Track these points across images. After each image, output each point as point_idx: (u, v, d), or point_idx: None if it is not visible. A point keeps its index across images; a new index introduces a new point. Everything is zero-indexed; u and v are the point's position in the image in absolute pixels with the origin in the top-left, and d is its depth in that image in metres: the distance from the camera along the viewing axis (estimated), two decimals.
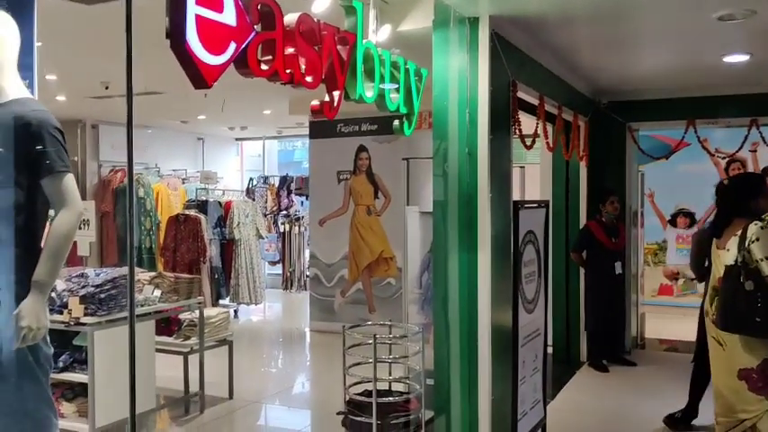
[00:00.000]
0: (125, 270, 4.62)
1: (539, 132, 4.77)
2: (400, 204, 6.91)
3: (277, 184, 11.18)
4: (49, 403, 2.45)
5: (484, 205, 3.83)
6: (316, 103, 2.53)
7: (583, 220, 6.43)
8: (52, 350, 2.49)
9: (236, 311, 9.00)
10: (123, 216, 8.69)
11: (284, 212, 11.05)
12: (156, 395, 4.67)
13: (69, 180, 2.41)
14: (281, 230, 10.94)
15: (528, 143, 4.64)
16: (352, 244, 7.77)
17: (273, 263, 11.20)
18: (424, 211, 4.24)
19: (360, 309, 7.62)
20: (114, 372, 4.18)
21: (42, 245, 2.40)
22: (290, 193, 11.11)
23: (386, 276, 7.59)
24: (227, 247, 8.84)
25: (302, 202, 11.18)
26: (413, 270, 4.30)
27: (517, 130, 4.27)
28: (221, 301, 8.75)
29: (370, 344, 3.65)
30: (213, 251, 8.58)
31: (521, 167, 6.96)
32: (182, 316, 5.21)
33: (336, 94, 2.58)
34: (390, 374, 4.03)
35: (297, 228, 10.79)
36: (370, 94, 2.85)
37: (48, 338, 2.45)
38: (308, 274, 10.79)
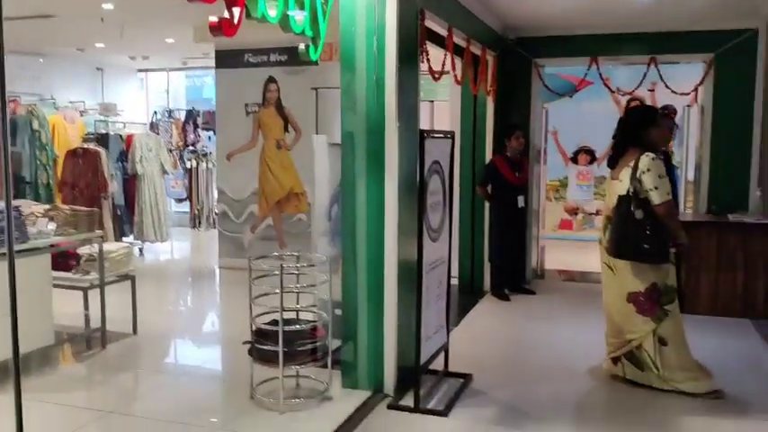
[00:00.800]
0: (18, 202, 4.40)
1: (447, 65, 4.79)
2: (311, 138, 6.82)
3: (183, 119, 10.83)
4: None
5: (391, 136, 3.85)
6: (214, 19, 2.43)
7: (489, 155, 6.57)
8: None
9: (140, 249, 8.77)
10: (19, 149, 8.19)
11: (191, 148, 10.73)
12: (56, 332, 4.53)
13: None
14: (188, 167, 10.66)
15: (436, 76, 4.65)
16: (262, 179, 7.66)
17: (180, 200, 10.93)
18: (333, 142, 4.21)
19: (270, 245, 7.57)
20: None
21: None
22: (196, 127, 10.80)
23: (296, 212, 7.56)
24: (130, 182, 8.55)
25: (210, 137, 10.87)
26: (322, 202, 4.29)
27: (425, 60, 4.27)
28: (125, 239, 8.50)
29: (276, 274, 3.64)
30: (115, 187, 8.28)
31: (430, 102, 7.01)
32: (80, 251, 5.04)
33: (237, 10, 2.48)
34: (298, 305, 4.05)
35: (204, 164, 10.52)
36: (273, 13, 2.75)
37: None
38: (216, 211, 10.63)
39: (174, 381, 4.31)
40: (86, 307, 4.94)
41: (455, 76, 5.09)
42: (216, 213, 10.65)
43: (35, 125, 8.64)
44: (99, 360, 4.67)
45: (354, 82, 3.85)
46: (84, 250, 5.03)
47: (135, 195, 8.53)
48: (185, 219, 10.84)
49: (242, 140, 7.72)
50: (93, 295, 4.92)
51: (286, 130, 7.53)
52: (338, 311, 4.09)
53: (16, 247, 4.09)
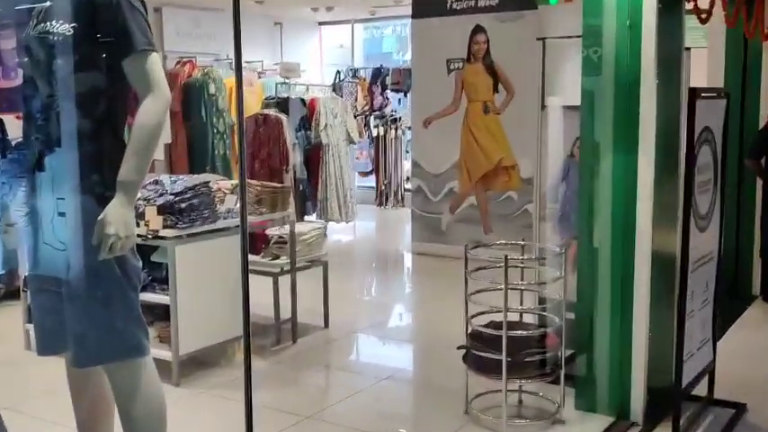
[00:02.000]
0: (206, 177, 4.73)
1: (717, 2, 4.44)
2: (526, 100, 6.70)
3: (369, 79, 11.11)
4: (140, 323, 2.55)
5: (648, 95, 3.63)
6: None
7: (764, 119, 6.07)
8: (140, 263, 2.58)
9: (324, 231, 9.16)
10: (194, 116, 8.85)
11: (378, 113, 11.02)
12: None
13: (154, 61, 2.42)
14: (374, 135, 10.95)
15: (703, 17, 4.34)
16: (465, 149, 7.65)
17: (365, 173, 11.29)
18: (566, 105, 4.07)
19: (472, 228, 7.57)
20: (198, 293, 4.35)
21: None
22: (384, 88, 11.02)
23: (505, 189, 7.48)
24: (313, 153, 8.91)
25: (399, 101, 11.08)
26: (552, 179, 4.17)
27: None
28: (307, 218, 8.91)
29: (500, 267, 3.59)
30: (297, 158, 8.67)
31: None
32: (269, 231, 5.31)
33: None
34: (522, 304, 3.98)
35: (393, 131, 10.76)
36: None
37: (135, 249, 2.53)
38: (407, 186, 10.83)
39: (373, 384, 4.44)
40: (276, 295, 5.21)
41: (725, 15, 4.71)
42: (406, 189, 10.91)
43: (211, 89, 9.27)
44: (289, 355, 4.93)
45: (601, 27, 3.68)
46: (272, 231, 5.30)
47: (318, 168, 8.89)
48: (369, 195, 11.18)
49: (442, 103, 7.75)
50: (282, 282, 5.18)
51: (495, 90, 7.45)
52: (569, 315, 3.97)
53: (205, 228, 4.41)
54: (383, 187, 10.97)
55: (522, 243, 4.01)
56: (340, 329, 5.42)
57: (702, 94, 3.59)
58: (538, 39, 4.96)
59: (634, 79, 3.65)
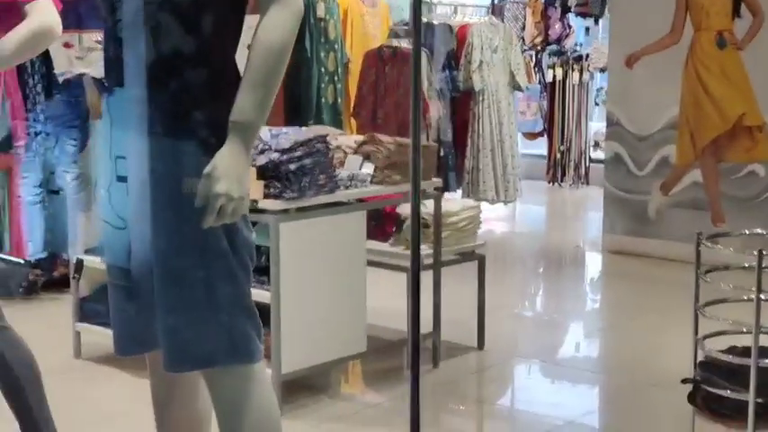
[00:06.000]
0: (322, 129, 4.83)
1: None
2: None
3: None
4: (251, 316, 2.63)
5: None
6: None
7: None
8: (254, 235, 2.66)
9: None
10: (295, 50, 9.02)
11: (554, 47, 10.95)
12: (368, 334, 4.91)
13: None
14: (549, 79, 10.89)
15: None
16: (688, 101, 7.55)
17: (533, 135, 11.26)
18: None
19: (696, 216, 7.41)
20: (310, 289, 4.47)
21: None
22: (565, 11, 10.93)
23: (748, 161, 7.36)
24: (462, 104, 8.93)
25: (587, 30, 10.98)
26: None
27: None
28: (447, 195, 8.96)
29: (748, 267, 3.54)
30: (440, 110, 8.71)
31: None
32: (401, 209, 5.38)
33: None
34: None
35: (577, 74, 10.67)
36: None
37: (248, 217, 2.61)
38: (594, 155, 10.72)
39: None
40: (415, 300, 5.27)
41: None
42: (592, 160, 10.81)
43: (320, 12, 9.43)
44: (428, 385, 4.92)
45: None
46: (407, 209, 5.37)
47: (468, 125, 8.89)
48: (538, 167, 11.14)
49: (655, 32, 7.66)
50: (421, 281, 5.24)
51: (736, 13, 7.31)
52: None
53: (320, 200, 4.52)
54: (558, 156, 10.91)
55: None
56: (499, 352, 5.46)
57: None
58: None
59: None
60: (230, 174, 2.44)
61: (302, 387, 4.67)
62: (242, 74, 2.52)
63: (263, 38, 2.48)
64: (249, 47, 2.49)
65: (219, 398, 2.66)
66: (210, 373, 2.64)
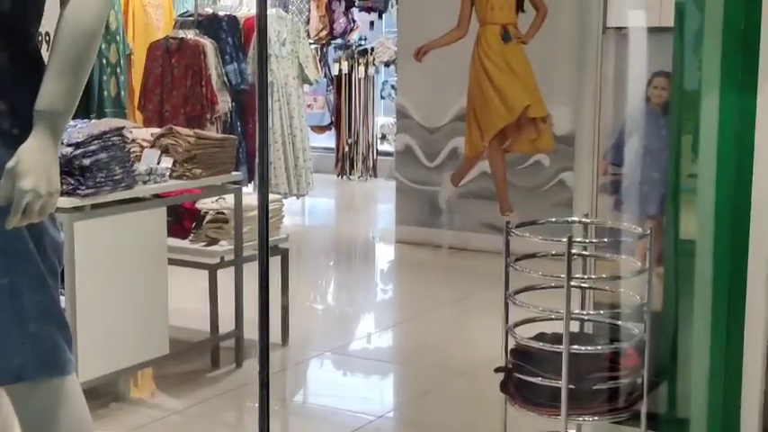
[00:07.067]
0: (117, 122, 4.66)
1: None
2: (564, 21, 6.68)
3: None
4: (61, 325, 2.48)
5: None
6: None
7: None
8: (62, 236, 2.52)
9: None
10: None
11: (339, 41, 10.97)
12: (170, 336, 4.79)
13: None
14: (336, 72, 10.90)
15: None
16: (474, 93, 7.65)
17: (320, 128, 11.25)
18: (635, 26, 4.07)
19: (485, 206, 7.58)
20: (109, 290, 4.30)
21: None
22: (349, 6, 10.96)
23: (533, 151, 7.51)
24: (250, 97, 8.83)
25: (372, 24, 11.04)
26: (603, 132, 4.18)
27: None
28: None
29: (557, 257, 3.56)
30: (228, 104, 8.60)
31: None
32: (200, 204, 5.27)
33: None
34: (585, 310, 3.97)
35: (363, 67, 10.72)
36: None
37: (55, 216, 2.47)
38: (381, 148, 10.80)
39: (355, 431, 4.41)
40: (213, 297, 5.15)
41: None
42: (379, 153, 10.88)
43: None
44: (231, 385, 4.89)
45: None
46: (206, 205, 5.24)
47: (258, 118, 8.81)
48: (327, 160, 11.15)
49: (441, 26, 7.72)
50: (223, 277, 5.14)
51: (520, 8, 7.45)
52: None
53: (117, 195, 4.33)
54: (347, 149, 10.94)
55: (588, 221, 3.99)
56: (304, 348, 5.43)
57: None
58: None
59: None
60: (37, 168, 2.28)
61: (102, 395, 4.49)
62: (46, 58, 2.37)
63: (71, 19, 2.33)
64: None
65: (28, 414, 2.50)
66: (17, 388, 2.46)
